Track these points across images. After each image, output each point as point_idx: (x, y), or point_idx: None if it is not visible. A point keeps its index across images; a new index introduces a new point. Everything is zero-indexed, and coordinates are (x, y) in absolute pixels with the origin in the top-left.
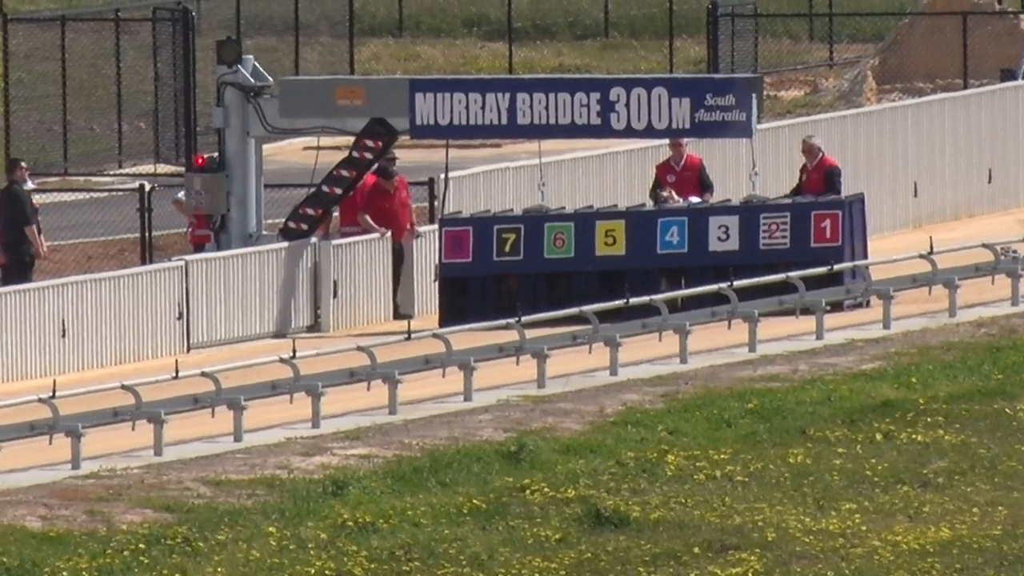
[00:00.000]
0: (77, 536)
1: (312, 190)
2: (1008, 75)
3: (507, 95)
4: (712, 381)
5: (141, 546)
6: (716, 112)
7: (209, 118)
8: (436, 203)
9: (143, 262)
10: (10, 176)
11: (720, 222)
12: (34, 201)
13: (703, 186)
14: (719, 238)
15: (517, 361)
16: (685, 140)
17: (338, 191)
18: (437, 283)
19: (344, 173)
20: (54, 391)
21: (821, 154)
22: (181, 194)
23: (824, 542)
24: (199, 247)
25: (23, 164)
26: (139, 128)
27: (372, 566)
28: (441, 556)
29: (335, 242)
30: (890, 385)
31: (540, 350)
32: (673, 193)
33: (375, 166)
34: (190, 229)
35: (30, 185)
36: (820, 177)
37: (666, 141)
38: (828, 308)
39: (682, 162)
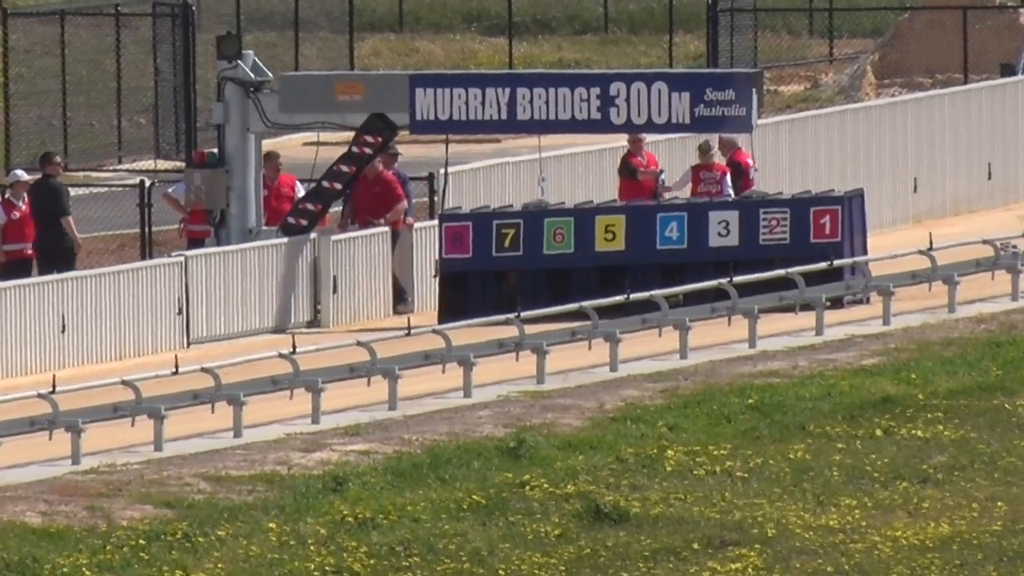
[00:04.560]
0: (77, 532)
1: (312, 185)
2: (1008, 70)
3: (507, 90)
4: (712, 377)
5: (141, 542)
6: (716, 107)
7: (209, 113)
8: (436, 198)
9: (143, 257)
10: (44, 169)
11: (720, 217)
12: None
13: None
14: (719, 233)
15: (517, 357)
16: (643, 135)
17: (338, 186)
18: (437, 279)
19: (344, 168)
20: (54, 386)
21: (736, 149)
22: (171, 188)
23: (824, 538)
24: (193, 242)
25: (57, 158)
26: (139, 124)
27: (372, 562)
28: (441, 552)
29: (334, 237)
30: (890, 381)
31: (540, 346)
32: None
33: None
34: (182, 224)
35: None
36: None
37: (665, 136)
38: (828, 304)
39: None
